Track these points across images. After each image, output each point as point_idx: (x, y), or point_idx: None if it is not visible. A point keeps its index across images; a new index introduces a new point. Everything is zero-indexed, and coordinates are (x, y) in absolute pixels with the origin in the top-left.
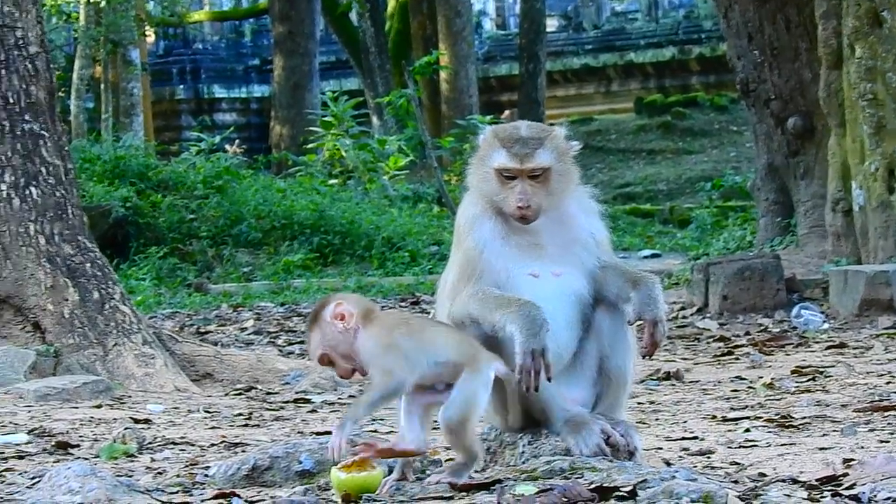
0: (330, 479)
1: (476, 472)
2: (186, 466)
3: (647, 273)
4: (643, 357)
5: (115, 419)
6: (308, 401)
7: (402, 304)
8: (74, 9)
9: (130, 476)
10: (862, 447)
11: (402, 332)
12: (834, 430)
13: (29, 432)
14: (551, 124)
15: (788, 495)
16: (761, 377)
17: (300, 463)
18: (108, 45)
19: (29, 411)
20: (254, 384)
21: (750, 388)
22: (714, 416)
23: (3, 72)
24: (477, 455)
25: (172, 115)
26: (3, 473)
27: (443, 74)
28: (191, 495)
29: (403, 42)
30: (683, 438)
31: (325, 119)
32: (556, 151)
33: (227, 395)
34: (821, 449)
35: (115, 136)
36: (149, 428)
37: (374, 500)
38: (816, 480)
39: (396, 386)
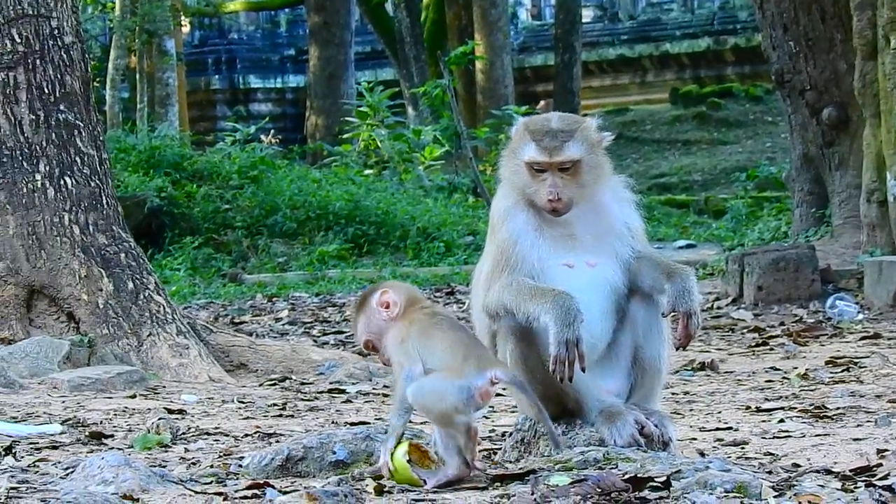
0: (390, 464)
1: (510, 462)
2: (220, 457)
3: (681, 265)
4: (677, 349)
5: (149, 409)
6: (342, 391)
7: (437, 294)
8: None
9: (164, 466)
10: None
11: (414, 330)
12: (868, 421)
13: (63, 422)
14: (586, 115)
15: (822, 486)
16: (796, 368)
17: (334, 453)
18: (143, 35)
19: (63, 401)
20: (288, 374)
21: (784, 378)
22: (748, 407)
23: (39, 62)
24: (453, 462)
25: (208, 105)
26: (37, 463)
27: (478, 65)
28: (224, 486)
29: (439, 32)
30: (718, 429)
31: (361, 109)
32: (587, 143)
33: (261, 385)
34: (855, 440)
35: (150, 126)
36: (183, 418)
37: (409, 491)
38: (850, 471)
39: (409, 375)
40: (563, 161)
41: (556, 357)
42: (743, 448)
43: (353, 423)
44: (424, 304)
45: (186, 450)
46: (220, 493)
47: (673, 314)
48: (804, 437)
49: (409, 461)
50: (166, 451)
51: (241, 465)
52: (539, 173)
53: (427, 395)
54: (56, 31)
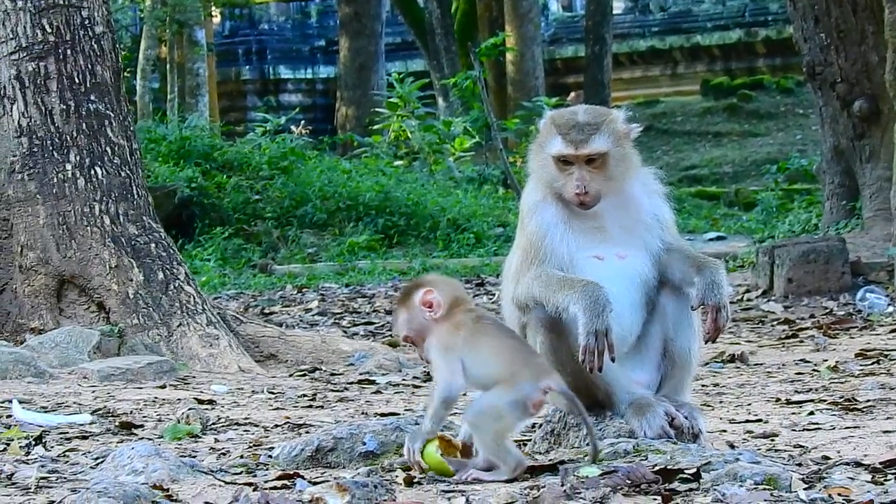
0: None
1: (540, 453)
2: (250, 447)
3: (711, 258)
4: (706, 342)
5: (179, 400)
6: (372, 382)
7: (467, 285)
8: None
9: (194, 457)
10: None
11: (461, 336)
12: None
13: (93, 412)
14: (617, 106)
15: (852, 478)
16: (826, 360)
17: (364, 444)
18: (173, 26)
19: (93, 391)
20: (318, 365)
21: (814, 370)
22: (778, 399)
23: (69, 52)
24: (508, 466)
25: (238, 95)
26: (67, 453)
27: (509, 56)
28: (254, 476)
29: (469, 24)
30: (747, 421)
31: (391, 100)
32: (613, 136)
33: (291, 375)
34: (885, 432)
35: (180, 117)
36: (213, 408)
37: (438, 481)
38: (880, 463)
39: (448, 390)
40: (589, 154)
41: (585, 347)
42: (773, 440)
43: (383, 414)
44: (469, 304)
45: (216, 440)
46: (249, 484)
47: (702, 307)
48: (834, 429)
49: (441, 454)
50: (196, 442)
51: (270, 456)
52: (566, 166)
53: (484, 417)
54: (87, 21)
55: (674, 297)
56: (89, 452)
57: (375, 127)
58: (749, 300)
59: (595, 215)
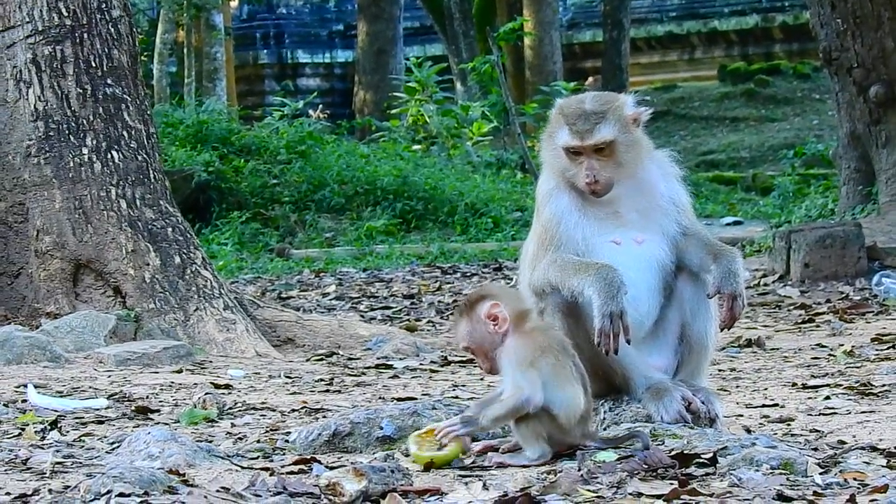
0: (409, 447)
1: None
2: (267, 432)
3: (728, 246)
4: (721, 330)
5: (195, 384)
6: (390, 366)
7: (485, 270)
8: None
9: (210, 441)
10: None
11: (548, 360)
12: None
13: (109, 397)
14: (635, 91)
15: (868, 463)
16: (842, 345)
17: (381, 429)
18: (191, 9)
19: (109, 376)
20: (335, 350)
21: (830, 355)
22: (794, 384)
23: (86, 35)
24: (534, 453)
25: (256, 79)
26: (84, 438)
27: (527, 41)
28: (271, 461)
29: (488, 8)
30: (764, 406)
31: (409, 85)
32: (620, 122)
33: (308, 360)
34: None
35: (197, 101)
36: (229, 393)
37: (456, 467)
38: (895, 448)
39: (524, 404)
40: (596, 143)
41: (600, 330)
42: (789, 425)
43: (400, 399)
44: (532, 317)
45: (233, 425)
46: (266, 469)
47: (718, 295)
48: (850, 414)
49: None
50: (213, 426)
51: (287, 441)
52: (576, 156)
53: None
54: (103, 5)
55: (691, 282)
56: (105, 437)
57: (393, 111)
58: (766, 285)
59: (611, 201)
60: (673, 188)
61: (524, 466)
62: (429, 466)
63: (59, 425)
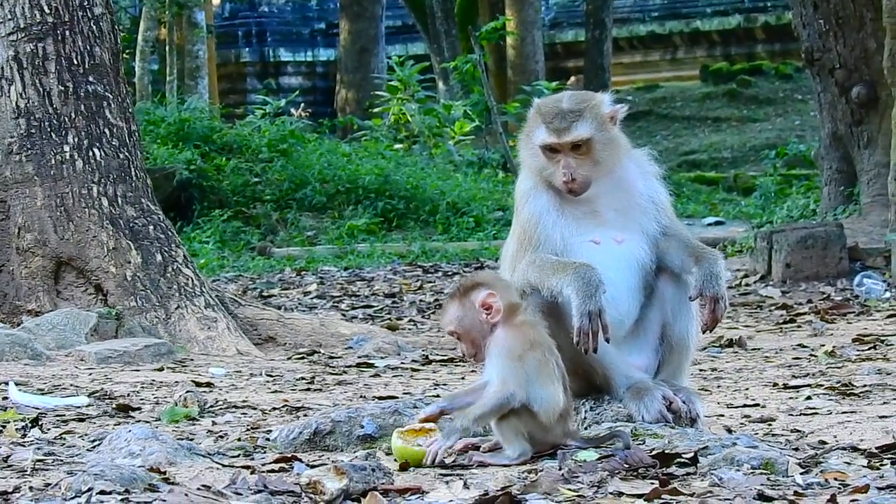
0: (392, 445)
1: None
2: (248, 430)
3: (710, 248)
4: (703, 332)
5: (176, 382)
6: (371, 365)
7: (466, 269)
8: None
9: (191, 439)
10: None
11: (535, 356)
12: (894, 399)
13: (90, 395)
14: (617, 91)
15: (849, 463)
16: (823, 345)
17: (362, 427)
18: (173, 7)
19: (90, 374)
20: (316, 348)
21: (811, 356)
22: (775, 384)
23: (68, 33)
24: (514, 452)
25: (237, 77)
26: (64, 436)
27: (509, 40)
28: (252, 459)
29: (470, 7)
30: (745, 406)
31: (391, 83)
32: (597, 121)
33: (289, 358)
34: (881, 417)
35: (179, 99)
36: (210, 391)
37: (437, 466)
38: (876, 448)
39: (509, 399)
40: (572, 141)
41: (579, 329)
42: (770, 425)
43: (381, 398)
44: (521, 311)
45: (214, 423)
46: (247, 467)
47: (700, 297)
48: (831, 414)
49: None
50: (194, 425)
51: (268, 439)
52: (553, 154)
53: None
54: (85, 2)
55: (672, 283)
56: (86, 435)
57: (375, 110)
58: (747, 285)
59: (589, 200)
60: (652, 187)
61: (505, 465)
62: (410, 463)
63: (40, 423)
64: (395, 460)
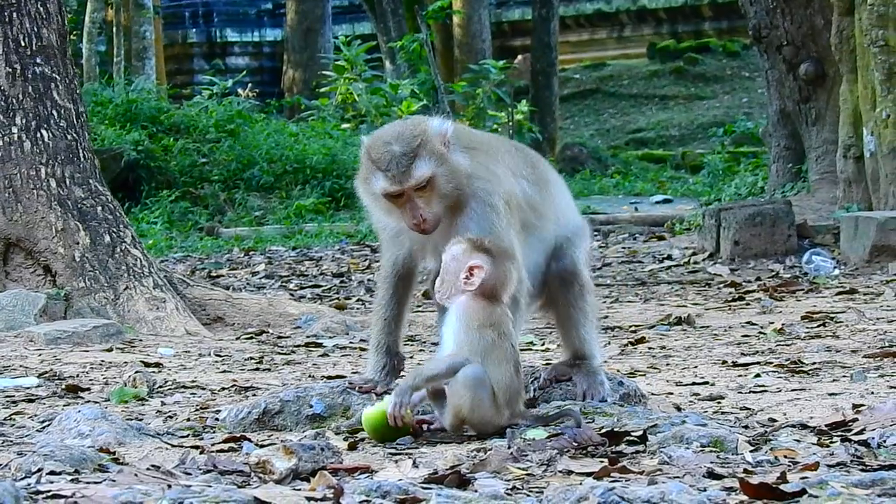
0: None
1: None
2: (197, 410)
3: None
4: None
5: (125, 363)
6: (319, 345)
7: None
8: None
9: (141, 420)
10: (872, 393)
11: (490, 334)
12: (844, 376)
13: (39, 375)
14: (564, 70)
15: (798, 440)
16: (772, 323)
17: (311, 407)
18: None
19: (39, 355)
20: (265, 328)
21: (760, 333)
22: (724, 362)
23: (15, 14)
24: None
25: (185, 58)
26: (14, 417)
27: (455, 19)
28: (201, 439)
29: None
30: (694, 384)
31: (338, 63)
32: (434, 155)
33: (238, 338)
34: (831, 394)
35: (126, 80)
36: (159, 372)
37: (385, 446)
38: (826, 426)
39: (460, 365)
40: (414, 185)
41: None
42: (719, 403)
43: (329, 377)
44: (501, 295)
45: (163, 403)
46: (196, 447)
47: None
48: (780, 391)
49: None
50: (143, 405)
51: (217, 419)
52: (397, 198)
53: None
54: None
55: None
56: (35, 416)
57: (322, 90)
58: (695, 263)
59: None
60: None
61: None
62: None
63: None
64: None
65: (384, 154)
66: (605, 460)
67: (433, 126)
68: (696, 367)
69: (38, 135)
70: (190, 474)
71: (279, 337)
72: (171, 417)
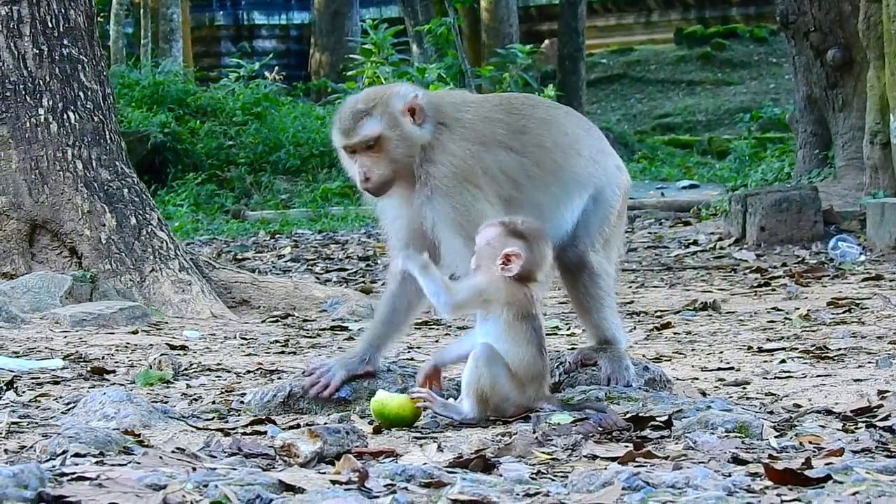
0: (370, 406)
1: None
2: (222, 393)
3: None
4: None
5: (151, 345)
6: (345, 328)
7: None
8: None
9: (166, 402)
10: None
11: (512, 313)
12: (869, 362)
13: (65, 357)
14: (591, 54)
15: (823, 426)
16: (797, 308)
17: (337, 390)
18: None
19: (65, 337)
20: (290, 311)
21: (786, 319)
22: (750, 347)
23: None
24: (472, 412)
25: (212, 41)
26: (39, 399)
27: (483, 3)
28: (226, 422)
29: None
30: (719, 369)
31: (365, 47)
32: (387, 117)
33: (263, 321)
34: (856, 380)
35: (153, 62)
36: (185, 354)
37: (410, 430)
38: (851, 412)
39: (489, 286)
40: (361, 141)
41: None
42: (744, 388)
43: None
44: (534, 283)
45: (188, 386)
46: (221, 430)
47: None
48: (805, 377)
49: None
50: (168, 387)
51: (242, 402)
52: (353, 154)
53: (495, 383)
54: None
55: None
56: (61, 398)
57: (349, 73)
58: (721, 248)
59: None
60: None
61: (452, 419)
62: (377, 429)
63: (14, 386)
64: (380, 423)
65: (344, 110)
66: (630, 445)
67: (399, 91)
68: (721, 352)
69: (65, 116)
70: (215, 457)
71: (304, 320)
72: (196, 400)
